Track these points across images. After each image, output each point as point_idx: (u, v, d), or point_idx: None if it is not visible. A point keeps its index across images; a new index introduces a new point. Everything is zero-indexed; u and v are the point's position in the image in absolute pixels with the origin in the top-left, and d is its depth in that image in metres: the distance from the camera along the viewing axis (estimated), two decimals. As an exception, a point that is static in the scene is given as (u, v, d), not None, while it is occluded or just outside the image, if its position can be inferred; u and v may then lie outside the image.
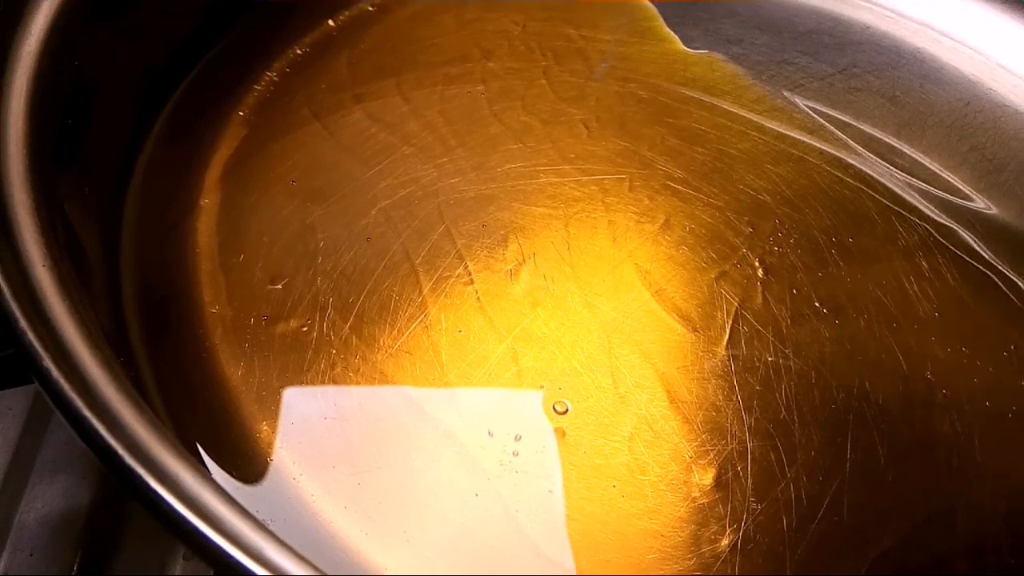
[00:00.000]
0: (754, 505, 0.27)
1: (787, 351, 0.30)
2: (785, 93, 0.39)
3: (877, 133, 0.38)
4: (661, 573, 0.25)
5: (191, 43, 0.36)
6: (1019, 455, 0.29)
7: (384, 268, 0.31)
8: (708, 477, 0.27)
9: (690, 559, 0.26)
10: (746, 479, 0.27)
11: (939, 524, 0.27)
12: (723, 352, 0.30)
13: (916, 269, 0.33)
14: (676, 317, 0.31)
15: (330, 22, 0.40)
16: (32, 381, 0.21)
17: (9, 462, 0.31)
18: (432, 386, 0.28)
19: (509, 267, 0.32)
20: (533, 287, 0.31)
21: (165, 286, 0.30)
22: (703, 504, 0.27)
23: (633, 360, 0.30)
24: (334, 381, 0.28)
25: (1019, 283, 0.33)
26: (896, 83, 0.40)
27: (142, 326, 0.28)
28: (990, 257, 0.34)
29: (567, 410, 0.28)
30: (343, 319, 0.30)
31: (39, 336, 0.21)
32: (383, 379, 0.29)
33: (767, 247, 0.33)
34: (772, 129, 0.37)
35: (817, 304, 0.32)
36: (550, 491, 0.26)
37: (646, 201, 0.34)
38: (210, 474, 0.25)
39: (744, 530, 0.26)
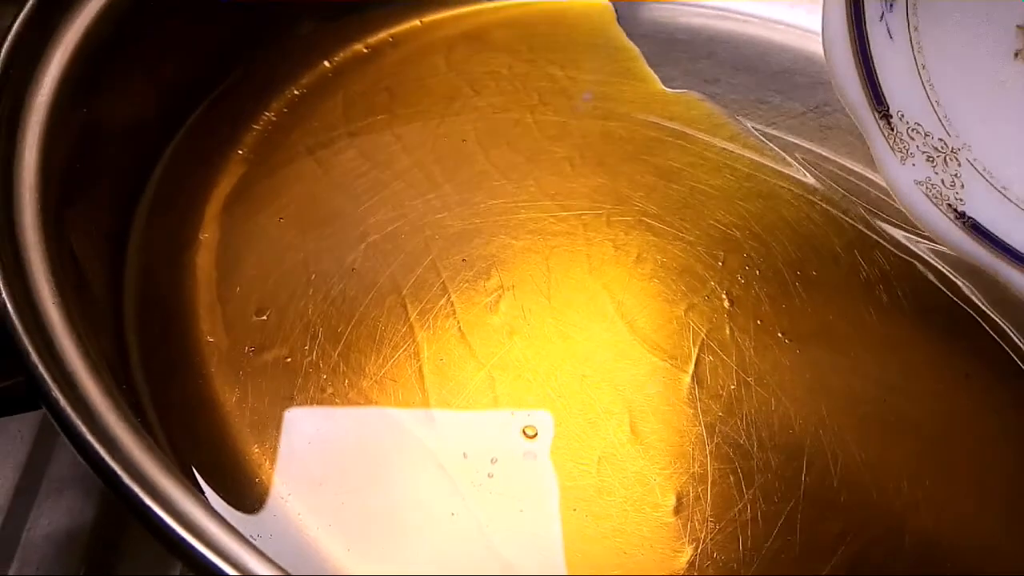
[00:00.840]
0: (712, 525, 0.28)
1: (749, 379, 0.32)
2: (758, 130, 0.41)
3: (845, 169, 0.40)
4: (625, 589, 0.27)
5: (193, 87, 0.38)
6: (967, 481, 0.31)
7: (372, 299, 0.33)
8: (670, 499, 0.29)
9: (652, 576, 0.27)
10: (706, 501, 0.29)
11: (887, 545, 0.29)
12: (689, 380, 0.32)
13: (876, 301, 0.35)
14: (647, 347, 0.33)
15: (326, 63, 0.42)
16: (40, 407, 0.23)
17: (17, 482, 0.32)
18: (414, 410, 0.30)
19: (489, 299, 0.33)
20: (511, 317, 0.33)
21: (165, 317, 0.32)
22: (665, 524, 0.28)
23: (603, 388, 0.31)
24: (322, 405, 0.30)
25: (972, 315, 0.35)
26: (864, 122, 0.42)
27: (143, 354, 0.30)
28: (947, 291, 0.35)
29: (537, 435, 0.30)
30: (332, 347, 0.32)
31: (48, 368, 0.23)
32: (369, 404, 0.30)
33: (735, 280, 0.35)
34: (743, 167, 0.39)
35: (780, 334, 0.33)
36: (521, 511, 0.28)
37: (622, 236, 0.36)
38: (203, 493, 0.27)
39: (703, 548, 0.28)
